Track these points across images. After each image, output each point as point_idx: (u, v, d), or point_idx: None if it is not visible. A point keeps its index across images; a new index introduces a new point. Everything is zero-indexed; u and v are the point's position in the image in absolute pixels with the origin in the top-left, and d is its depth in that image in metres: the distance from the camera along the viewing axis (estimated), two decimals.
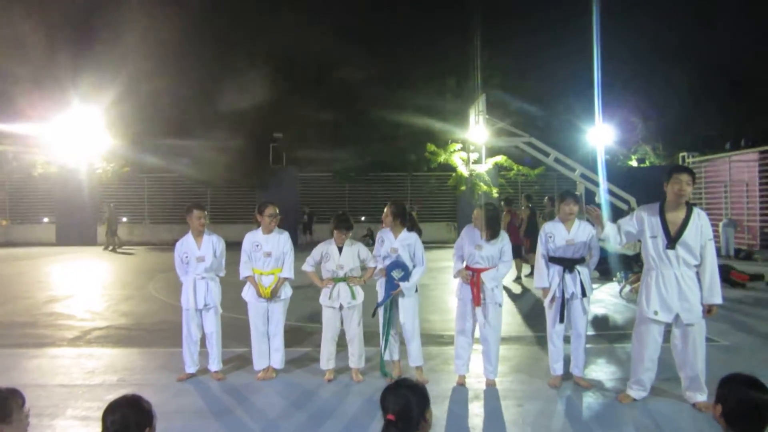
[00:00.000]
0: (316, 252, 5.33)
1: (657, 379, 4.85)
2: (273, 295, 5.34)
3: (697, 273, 4.42)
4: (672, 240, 4.38)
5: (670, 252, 4.40)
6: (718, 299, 4.37)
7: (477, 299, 4.98)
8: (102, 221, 20.54)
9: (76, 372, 5.64)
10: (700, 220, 4.38)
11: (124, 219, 24.16)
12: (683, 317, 4.39)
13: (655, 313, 4.46)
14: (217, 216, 22.21)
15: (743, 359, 5.89)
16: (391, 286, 5.14)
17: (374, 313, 5.33)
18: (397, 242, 5.23)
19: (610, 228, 4.68)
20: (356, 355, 5.30)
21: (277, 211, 5.45)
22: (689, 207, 4.43)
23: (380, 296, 5.27)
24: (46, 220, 23.24)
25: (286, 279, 5.41)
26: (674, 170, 4.45)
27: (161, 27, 19.75)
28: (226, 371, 5.51)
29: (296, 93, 23.56)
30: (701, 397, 4.43)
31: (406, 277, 5.14)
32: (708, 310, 4.41)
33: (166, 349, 6.35)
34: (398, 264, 5.15)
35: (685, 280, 4.39)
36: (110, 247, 19.69)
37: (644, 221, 4.55)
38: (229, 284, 5.83)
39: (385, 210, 5.32)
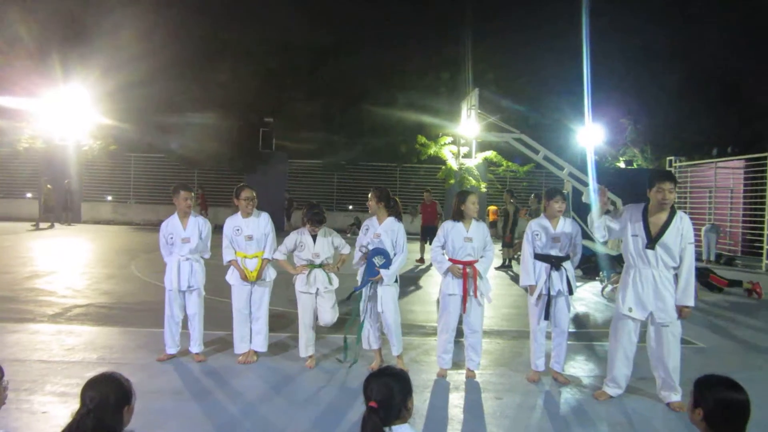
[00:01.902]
0: (289, 241, 5.30)
1: (633, 378, 4.92)
2: (258, 278, 5.34)
3: (676, 275, 4.49)
4: (652, 240, 4.46)
5: (650, 252, 4.47)
6: (690, 301, 4.43)
7: (474, 292, 5.00)
8: (42, 198, 20.41)
9: (55, 348, 5.60)
10: (681, 224, 4.45)
11: (109, 198, 23.93)
12: (657, 316, 4.48)
13: (630, 310, 4.55)
14: (204, 199, 22.05)
15: (719, 362, 5.99)
16: (371, 272, 5.11)
17: (349, 296, 5.31)
18: (380, 228, 5.20)
19: (602, 218, 4.72)
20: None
21: (254, 195, 5.42)
22: (673, 210, 4.49)
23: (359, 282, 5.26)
24: (29, 195, 22.92)
25: (269, 260, 5.39)
26: (657, 178, 4.49)
27: (153, 5, 19.50)
28: (206, 353, 5.50)
29: (289, 80, 23.41)
30: (675, 397, 4.51)
31: (387, 264, 5.11)
32: (680, 312, 4.47)
33: (147, 329, 6.32)
34: (379, 251, 5.12)
35: (662, 281, 4.47)
36: (55, 225, 19.65)
37: (627, 220, 4.63)
38: (213, 267, 5.81)
39: (369, 195, 5.30)
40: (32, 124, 21.14)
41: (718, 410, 2.32)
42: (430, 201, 14.32)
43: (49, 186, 20.18)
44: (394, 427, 2.26)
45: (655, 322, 4.52)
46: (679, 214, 4.49)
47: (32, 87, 19.50)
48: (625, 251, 4.67)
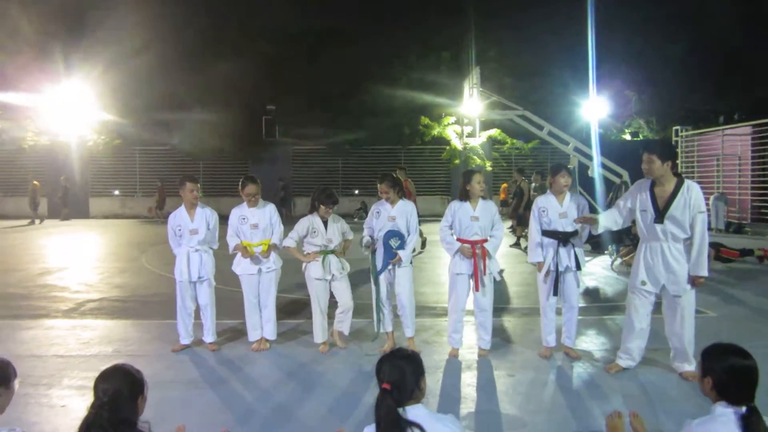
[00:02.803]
0: (301, 227, 5.32)
1: (647, 349, 4.94)
2: (264, 253, 5.34)
3: (689, 245, 4.47)
4: (660, 214, 4.43)
5: (658, 226, 4.45)
6: (703, 272, 4.42)
7: (484, 270, 5.02)
8: (30, 195, 20.60)
9: (71, 343, 5.67)
10: (689, 194, 4.40)
11: (116, 192, 24.04)
12: (669, 289, 4.48)
13: (643, 283, 4.57)
14: (209, 189, 22.11)
15: (730, 330, 5.99)
16: (389, 255, 5.18)
17: (376, 281, 5.33)
18: (394, 210, 5.25)
19: (605, 219, 4.76)
20: (347, 323, 5.41)
21: (258, 189, 5.41)
22: (680, 180, 4.45)
23: (379, 266, 5.29)
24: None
25: (275, 245, 5.41)
26: (641, 150, 4.53)
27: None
28: (220, 343, 5.56)
29: (290, 66, 23.29)
30: (689, 367, 4.52)
31: (403, 245, 5.19)
32: (693, 282, 4.47)
33: (161, 321, 6.39)
34: (394, 233, 5.18)
35: (672, 253, 4.45)
36: (35, 221, 19.84)
37: (636, 196, 4.62)
38: (222, 257, 5.85)
39: (382, 187, 5.29)
40: (36, 122, 21.20)
41: (727, 378, 2.33)
42: (404, 179, 14.24)
43: (36, 183, 20.28)
44: (408, 408, 2.29)
45: (668, 294, 4.52)
46: (687, 184, 4.44)
47: (34, 84, 19.53)
48: (637, 227, 4.68)
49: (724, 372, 2.34)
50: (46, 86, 19.81)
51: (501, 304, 7.07)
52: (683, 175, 4.53)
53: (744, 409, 2.27)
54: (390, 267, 5.25)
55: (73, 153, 21.92)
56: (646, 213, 4.51)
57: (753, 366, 2.34)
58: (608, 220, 4.78)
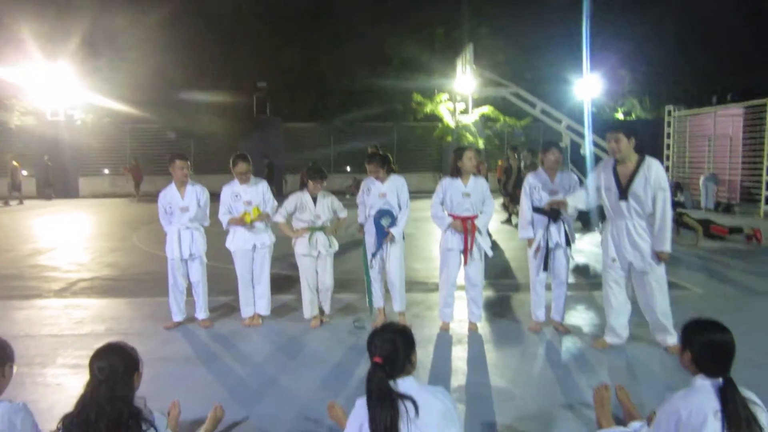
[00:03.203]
0: (289, 203, 5.33)
1: (633, 324, 5.01)
2: (257, 220, 5.35)
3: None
4: (623, 191, 4.47)
5: (623, 203, 4.50)
6: (666, 247, 4.44)
7: (471, 247, 5.06)
8: (7, 175, 20.46)
9: (64, 322, 5.69)
10: (649, 171, 4.40)
11: (106, 171, 23.85)
12: (636, 265, 4.54)
13: (613, 260, 4.65)
14: (200, 167, 21.96)
15: (715, 306, 6.09)
16: (382, 234, 5.22)
17: (371, 261, 5.38)
18: (385, 187, 5.28)
19: (573, 200, 4.78)
20: (328, 301, 5.49)
21: (249, 167, 5.41)
22: (641, 158, 4.47)
23: (372, 248, 5.34)
24: (25, 173, 22.82)
25: (268, 214, 5.42)
26: (607, 132, 4.57)
27: None
28: (213, 319, 5.59)
29: (281, 43, 23.03)
30: (671, 339, 4.59)
31: (394, 223, 5.23)
32: (658, 258, 4.49)
33: (153, 299, 6.40)
34: (383, 212, 5.21)
35: (636, 230, 4.50)
36: (10, 202, 19.61)
37: (601, 175, 4.66)
38: (214, 235, 5.85)
39: (371, 168, 5.32)
40: (23, 100, 20.91)
41: (704, 352, 2.42)
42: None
43: (15, 163, 20.08)
44: (398, 380, 2.33)
45: (636, 270, 4.59)
46: (647, 161, 4.46)
47: (21, 62, 19.21)
48: (603, 205, 4.73)
49: (702, 346, 2.43)
50: (33, 64, 19.49)
51: (492, 279, 7.14)
52: (643, 153, 4.52)
53: (721, 381, 2.34)
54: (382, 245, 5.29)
55: (61, 132, 21.67)
56: (611, 191, 4.56)
57: (730, 340, 2.42)
58: (577, 201, 4.81)
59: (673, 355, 4.51)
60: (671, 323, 4.59)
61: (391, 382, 2.30)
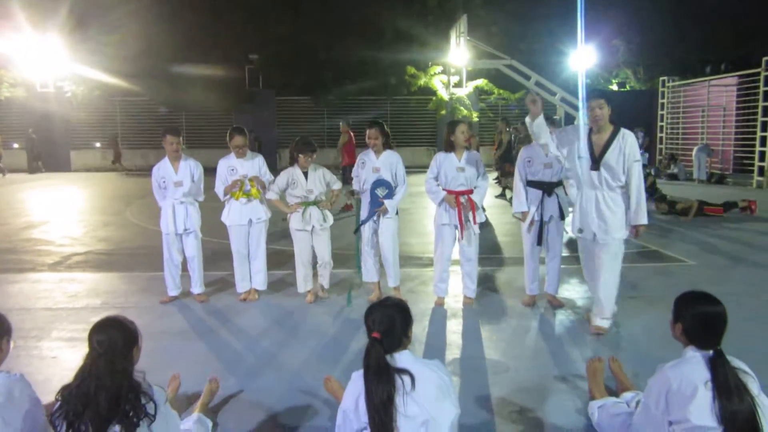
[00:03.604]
0: (281, 179, 5.31)
1: (625, 296, 5.05)
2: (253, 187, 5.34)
3: (626, 195, 4.44)
4: (596, 161, 4.39)
5: (594, 173, 4.41)
6: (643, 220, 4.39)
7: (474, 219, 5.05)
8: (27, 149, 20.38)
9: (59, 296, 5.69)
10: (623, 141, 4.34)
11: (98, 144, 23.61)
12: (598, 237, 4.45)
13: (579, 230, 4.58)
14: (193, 141, 21.78)
15: (707, 278, 6.16)
16: (375, 204, 5.20)
17: (356, 230, 5.39)
18: (379, 162, 5.24)
19: (541, 124, 4.54)
20: (327, 276, 5.49)
21: (246, 141, 5.39)
22: (616, 128, 4.40)
23: (363, 215, 5.34)
24: (16, 146, 22.58)
25: (261, 182, 5.38)
26: (586, 98, 4.48)
27: None
28: (208, 293, 5.60)
29: (273, 13, 22.64)
30: (600, 321, 4.49)
31: (390, 195, 5.20)
32: (636, 232, 4.45)
33: (148, 273, 6.41)
34: (382, 182, 5.18)
35: (605, 201, 4.41)
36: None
37: (573, 143, 4.52)
38: (208, 209, 5.83)
39: (371, 133, 5.25)
40: (12, 72, 20.56)
41: (695, 324, 2.46)
42: (345, 130, 13.89)
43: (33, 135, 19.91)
44: (395, 355, 2.35)
45: (597, 241, 4.49)
46: (622, 132, 4.38)
47: (9, 33, 18.82)
48: (573, 173, 4.64)
49: (693, 318, 2.46)
50: (21, 36, 19.10)
51: (486, 253, 7.17)
52: (618, 124, 4.43)
53: (711, 352, 2.38)
54: (375, 217, 5.28)
55: (51, 104, 21.38)
56: (583, 160, 4.45)
57: (721, 312, 2.44)
58: (543, 129, 4.54)
59: (592, 336, 4.44)
60: (610, 307, 4.47)
61: (388, 357, 2.33)
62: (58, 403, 2.20)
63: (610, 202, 4.41)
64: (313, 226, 5.30)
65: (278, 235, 7.55)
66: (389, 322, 2.36)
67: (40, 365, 4.04)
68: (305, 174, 5.27)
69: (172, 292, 5.49)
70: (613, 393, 3.27)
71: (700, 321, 2.45)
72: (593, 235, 4.49)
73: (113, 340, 2.27)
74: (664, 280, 6.14)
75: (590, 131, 4.47)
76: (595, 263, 4.52)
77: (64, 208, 12.12)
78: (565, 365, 3.96)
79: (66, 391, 2.21)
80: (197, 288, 5.49)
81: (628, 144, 4.34)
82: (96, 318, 2.44)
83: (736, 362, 2.41)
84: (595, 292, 4.60)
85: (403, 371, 2.29)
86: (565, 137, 4.59)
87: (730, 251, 7.52)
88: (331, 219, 5.46)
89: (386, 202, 5.19)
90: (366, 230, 5.36)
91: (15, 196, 14.28)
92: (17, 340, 4.34)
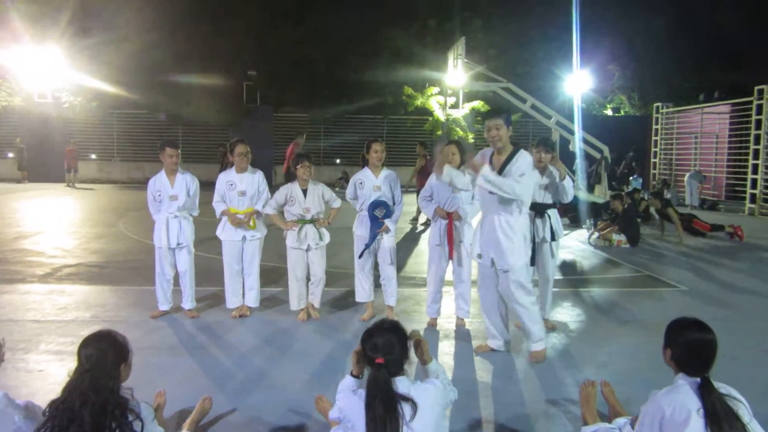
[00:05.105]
0: (280, 195, 5.30)
1: (617, 321, 5.04)
2: (249, 221, 5.33)
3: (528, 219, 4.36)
4: None
5: (492, 196, 4.25)
6: (480, 177, 4.11)
7: (460, 242, 5.04)
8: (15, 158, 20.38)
9: (48, 308, 5.63)
10: (516, 162, 4.20)
11: (93, 156, 23.56)
12: (497, 263, 4.33)
13: (479, 255, 4.46)
14: (189, 155, 21.79)
15: (699, 304, 6.17)
16: (376, 225, 5.18)
17: (361, 255, 5.31)
18: (379, 180, 5.24)
19: (451, 172, 4.43)
20: (318, 295, 5.44)
21: (248, 150, 5.41)
22: (516, 150, 4.29)
23: (357, 238, 5.32)
24: (11, 155, 22.50)
25: (257, 211, 5.39)
26: (485, 118, 4.40)
27: None
28: (199, 309, 5.56)
29: (272, 31, 22.82)
30: (534, 346, 4.41)
31: (389, 214, 5.20)
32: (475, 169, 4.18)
33: (139, 287, 6.36)
34: (377, 203, 5.16)
35: (502, 226, 4.26)
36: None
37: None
38: (202, 224, 5.81)
39: (377, 147, 5.22)
40: (9, 82, 20.57)
41: (684, 351, 2.46)
42: (296, 142, 12.22)
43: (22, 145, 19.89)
44: (395, 379, 2.34)
45: (497, 268, 4.36)
46: (520, 152, 4.25)
47: (8, 42, 18.88)
48: (478, 198, 4.55)
49: (682, 345, 2.47)
50: (20, 46, 19.16)
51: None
52: (518, 145, 4.36)
53: (698, 380, 2.38)
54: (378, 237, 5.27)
55: (48, 115, 21.37)
56: None
57: (711, 340, 2.44)
58: (455, 174, 4.47)
59: (535, 363, 4.36)
60: (537, 329, 4.38)
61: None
62: (45, 418, 2.17)
63: (506, 226, 4.25)
64: (309, 245, 5.28)
65: (272, 251, 7.52)
66: (390, 346, 2.35)
67: (27, 378, 3.98)
68: (304, 192, 5.26)
69: (163, 306, 5.44)
70: (606, 419, 3.25)
71: (689, 348, 2.45)
72: (491, 261, 4.36)
73: (102, 355, 2.25)
74: (656, 305, 6.15)
75: (492, 153, 4.36)
76: (509, 292, 4.33)
77: (57, 219, 12.05)
78: (557, 389, 3.94)
79: (52, 406, 2.18)
80: (188, 303, 5.45)
81: (518, 161, 4.19)
82: (84, 331, 2.42)
83: (726, 389, 2.41)
84: (520, 319, 4.43)
85: (405, 398, 2.27)
86: (478, 156, 4.49)
87: (722, 277, 7.55)
88: (327, 237, 5.43)
89: (387, 222, 5.19)
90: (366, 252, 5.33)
91: (6, 206, 14.20)
92: (5, 352, 4.29)
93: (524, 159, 4.21)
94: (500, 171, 4.22)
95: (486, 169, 4.13)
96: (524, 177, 4.14)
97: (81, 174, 21.67)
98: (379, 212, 5.16)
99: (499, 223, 4.28)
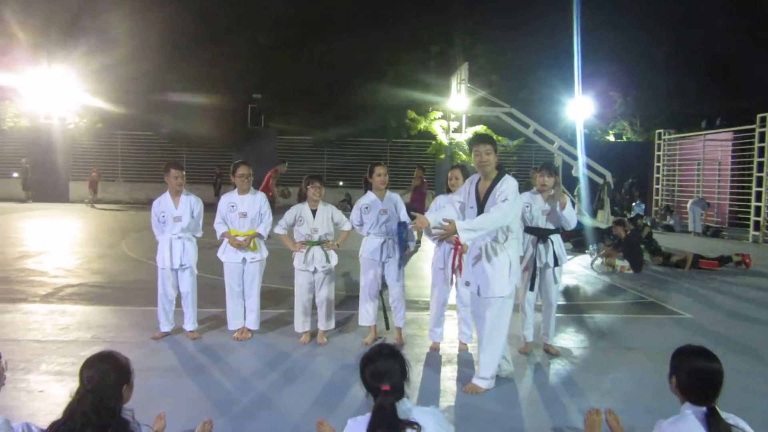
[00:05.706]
0: (289, 215, 5.32)
1: (621, 348, 4.99)
2: (249, 243, 5.34)
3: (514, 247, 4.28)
4: (480, 209, 4.20)
5: None
6: (462, 230, 3.90)
7: (460, 268, 5.03)
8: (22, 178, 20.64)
9: (49, 328, 5.61)
10: (501, 186, 4.13)
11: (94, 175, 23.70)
12: (481, 290, 4.24)
13: (467, 283, 4.38)
14: (193, 177, 21.89)
15: (704, 332, 6.11)
16: (402, 246, 5.22)
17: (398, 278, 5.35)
18: (384, 204, 5.25)
19: (434, 219, 4.18)
20: (325, 318, 5.37)
21: (250, 172, 5.44)
22: (500, 173, 4.21)
23: (364, 262, 5.32)
24: (15, 175, 22.64)
25: (258, 234, 5.40)
26: (473, 143, 4.31)
27: None
28: (201, 331, 5.53)
29: (276, 56, 23.13)
30: (478, 381, 4.28)
31: (412, 236, 5.32)
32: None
33: (140, 308, 6.34)
34: (405, 224, 5.18)
35: (487, 253, 4.19)
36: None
37: (465, 192, 4.40)
38: (205, 245, 5.81)
39: (381, 171, 5.24)
40: (16, 103, 20.81)
41: (690, 379, 2.43)
42: (275, 169, 13.01)
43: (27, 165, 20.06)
44: (397, 404, 2.32)
45: (481, 296, 4.26)
46: (505, 177, 4.18)
47: (16, 64, 19.15)
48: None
49: (688, 373, 2.44)
50: (27, 67, 19.43)
51: None
52: (504, 169, 4.28)
53: (705, 409, 2.35)
54: (385, 259, 5.27)
55: (54, 135, 21.55)
56: (473, 209, 4.26)
57: (717, 369, 2.41)
58: (442, 217, 4.27)
59: (467, 393, 4.23)
60: (490, 368, 4.25)
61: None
62: None
63: (491, 253, 4.18)
64: (315, 268, 5.26)
65: (273, 273, 7.51)
66: (394, 373, 2.33)
67: (27, 399, 3.95)
68: (314, 212, 5.28)
69: (165, 328, 5.42)
70: None
71: (695, 376, 2.42)
72: (477, 289, 4.26)
73: (104, 376, 2.24)
74: (661, 333, 6.10)
75: (478, 180, 4.32)
76: (484, 321, 4.26)
77: (60, 239, 12.07)
78: (560, 416, 3.89)
79: (53, 428, 2.16)
80: (190, 325, 5.42)
81: (503, 185, 4.12)
82: (85, 352, 2.42)
83: (734, 419, 2.38)
84: (480, 346, 4.35)
85: (410, 423, 2.25)
86: (462, 187, 4.49)
87: (726, 305, 7.50)
88: (335, 259, 5.39)
89: (409, 244, 5.30)
90: (370, 274, 5.31)
91: (11, 226, 14.24)
92: (6, 372, 4.27)
93: (509, 184, 4.14)
94: (486, 196, 4.20)
95: (459, 225, 3.92)
96: (506, 202, 4.03)
97: (82, 193, 21.79)
98: (406, 234, 5.19)
99: (484, 250, 4.22)
